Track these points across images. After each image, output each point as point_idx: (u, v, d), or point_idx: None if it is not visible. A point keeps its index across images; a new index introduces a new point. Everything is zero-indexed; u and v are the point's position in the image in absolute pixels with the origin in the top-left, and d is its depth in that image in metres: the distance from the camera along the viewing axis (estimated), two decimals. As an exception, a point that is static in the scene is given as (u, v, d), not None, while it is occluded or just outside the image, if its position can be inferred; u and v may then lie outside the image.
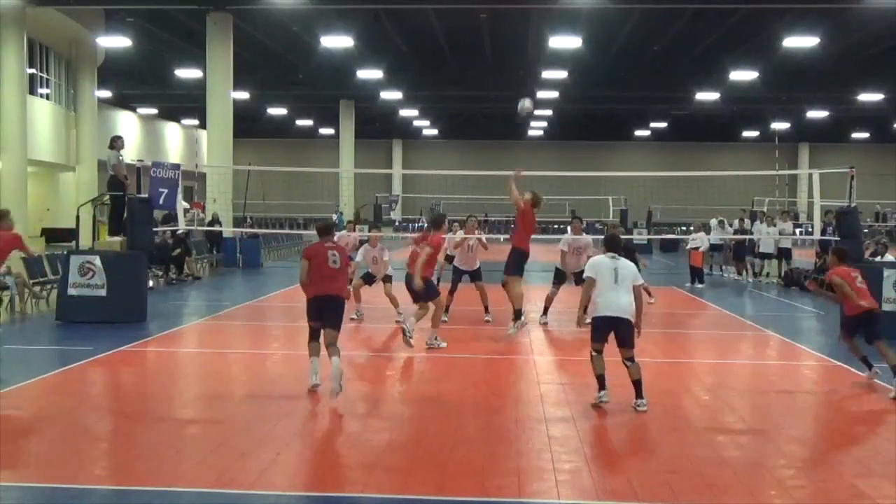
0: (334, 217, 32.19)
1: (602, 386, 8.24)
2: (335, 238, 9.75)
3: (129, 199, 14.44)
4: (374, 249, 13.91)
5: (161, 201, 15.13)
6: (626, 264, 8.45)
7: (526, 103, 14.84)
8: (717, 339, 12.72)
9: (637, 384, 8.17)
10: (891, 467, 6.54)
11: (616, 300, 8.19)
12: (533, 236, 12.23)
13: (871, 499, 5.89)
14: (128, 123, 46.81)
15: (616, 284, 8.23)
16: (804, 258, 24.80)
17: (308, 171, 43.75)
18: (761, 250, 21.90)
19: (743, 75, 33.60)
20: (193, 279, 20.66)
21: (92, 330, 12.38)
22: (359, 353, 11.42)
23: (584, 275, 8.61)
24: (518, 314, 11.96)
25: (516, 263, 12.04)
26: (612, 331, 8.24)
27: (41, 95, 31.35)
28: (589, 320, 8.54)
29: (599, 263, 8.45)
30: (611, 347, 8.21)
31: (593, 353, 8.29)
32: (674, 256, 31.60)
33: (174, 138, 55.41)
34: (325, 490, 5.91)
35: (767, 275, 22.14)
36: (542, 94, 39.38)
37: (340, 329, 8.79)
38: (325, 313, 8.76)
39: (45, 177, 35.98)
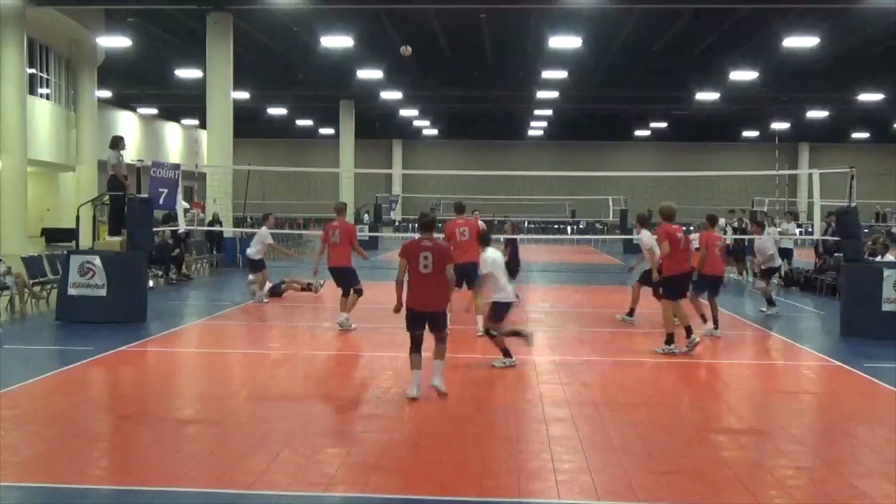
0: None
1: None
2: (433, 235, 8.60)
3: (129, 199, 14.43)
4: None
5: (161, 201, 15.16)
6: None
7: None
8: (717, 339, 12.68)
9: None
10: (891, 467, 6.53)
11: None
12: (535, 236, 12.28)
13: (871, 499, 5.89)
14: (128, 123, 46.80)
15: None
16: (804, 258, 24.78)
17: (308, 171, 43.78)
18: None
19: (743, 75, 33.58)
20: (187, 279, 20.60)
21: (92, 330, 12.36)
22: (358, 352, 11.44)
23: None
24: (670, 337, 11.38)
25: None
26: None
27: (41, 95, 31.35)
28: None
29: None
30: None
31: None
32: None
33: (174, 138, 55.41)
34: (325, 490, 5.91)
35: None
36: (542, 94, 39.39)
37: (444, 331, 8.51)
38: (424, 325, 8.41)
39: (45, 177, 35.99)
